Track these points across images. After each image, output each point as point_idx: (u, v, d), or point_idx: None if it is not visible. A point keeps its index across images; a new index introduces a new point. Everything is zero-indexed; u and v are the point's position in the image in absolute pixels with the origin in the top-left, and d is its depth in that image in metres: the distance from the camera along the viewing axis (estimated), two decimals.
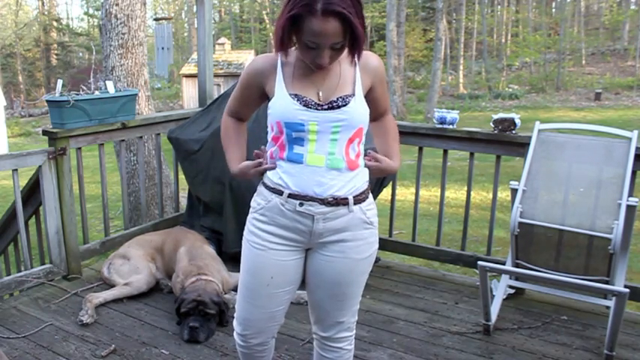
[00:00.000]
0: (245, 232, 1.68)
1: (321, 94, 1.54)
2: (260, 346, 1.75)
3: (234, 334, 1.77)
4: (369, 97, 1.62)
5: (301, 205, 1.54)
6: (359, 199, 1.59)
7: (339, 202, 1.55)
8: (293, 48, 1.56)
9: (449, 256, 3.44)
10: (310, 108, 1.52)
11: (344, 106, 1.53)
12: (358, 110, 1.55)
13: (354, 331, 1.78)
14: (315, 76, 1.56)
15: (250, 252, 1.66)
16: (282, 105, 1.53)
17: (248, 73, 1.65)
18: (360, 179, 1.60)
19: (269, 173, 1.60)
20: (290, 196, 1.55)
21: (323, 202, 1.54)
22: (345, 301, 1.69)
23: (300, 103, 1.52)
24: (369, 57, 1.62)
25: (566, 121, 14.68)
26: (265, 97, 1.64)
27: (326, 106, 1.53)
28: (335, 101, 1.54)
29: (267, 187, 1.60)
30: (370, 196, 1.65)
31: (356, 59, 1.57)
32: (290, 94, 1.53)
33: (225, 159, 1.75)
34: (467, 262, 3.35)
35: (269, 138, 1.62)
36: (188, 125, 3.64)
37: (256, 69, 1.62)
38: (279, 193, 1.56)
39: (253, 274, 1.66)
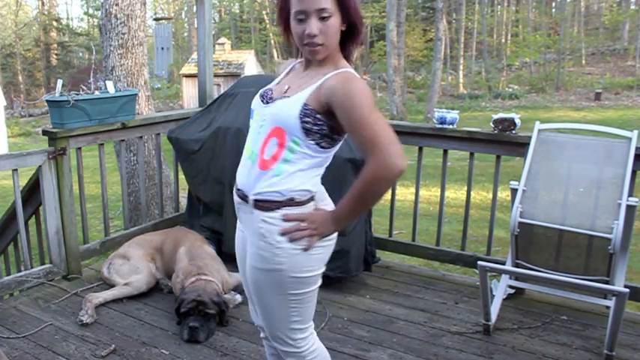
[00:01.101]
0: None
1: (287, 86, 1.58)
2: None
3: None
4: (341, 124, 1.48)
5: (237, 190, 1.62)
6: (262, 207, 1.52)
7: (243, 197, 1.58)
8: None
9: (449, 256, 3.44)
10: (262, 101, 1.60)
11: (272, 102, 1.56)
12: (280, 109, 1.50)
13: (303, 349, 1.64)
14: (295, 78, 1.61)
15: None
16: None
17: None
18: (270, 187, 1.51)
19: None
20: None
21: (237, 192, 1.61)
22: (260, 307, 1.63)
23: (260, 94, 1.61)
24: (335, 77, 1.47)
25: (566, 121, 14.69)
26: None
27: (268, 101, 1.59)
28: (274, 97, 1.58)
29: None
30: (280, 212, 1.51)
31: (328, 75, 1.48)
32: (266, 89, 1.63)
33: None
34: (467, 262, 3.35)
35: None
36: (188, 125, 3.64)
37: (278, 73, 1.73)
38: None
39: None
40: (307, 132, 1.48)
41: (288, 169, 1.50)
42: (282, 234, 1.50)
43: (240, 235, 1.71)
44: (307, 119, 1.47)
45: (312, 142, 1.49)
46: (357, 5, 1.51)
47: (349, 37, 1.55)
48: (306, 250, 1.51)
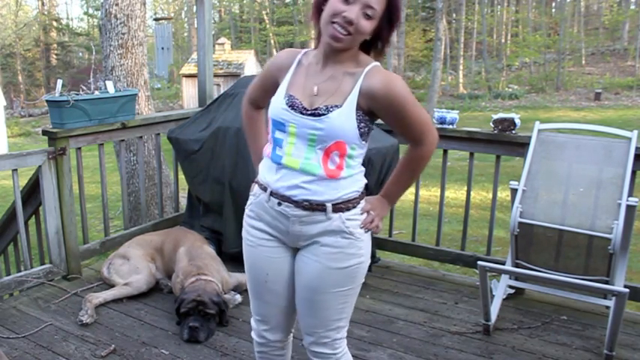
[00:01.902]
0: (242, 230, 1.73)
1: (316, 89, 1.53)
2: (278, 342, 1.75)
3: (252, 333, 1.79)
4: (385, 122, 1.57)
5: (279, 204, 1.56)
6: (340, 208, 1.54)
7: (315, 207, 1.53)
8: (313, 48, 1.61)
9: (449, 256, 3.44)
10: (295, 110, 1.52)
11: (324, 115, 1.48)
12: (337, 123, 1.47)
13: (338, 350, 1.68)
14: (315, 79, 1.55)
15: (246, 248, 1.71)
16: (275, 102, 1.57)
17: (270, 64, 1.69)
18: (345, 190, 1.54)
19: (261, 169, 1.65)
20: (272, 194, 1.57)
21: (298, 205, 1.54)
22: (318, 310, 1.62)
23: (288, 104, 1.53)
24: (374, 77, 1.49)
25: (566, 121, 14.68)
26: None
27: (309, 112, 1.51)
28: (319, 108, 1.50)
29: (257, 183, 1.65)
30: (359, 206, 1.58)
31: (362, 76, 1.49)
32: (286, 94, 1.55)
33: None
34: (467, 262, 3.35)
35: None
36: (188, 125, 3.64)
37: (276, 63, 1.66)
38: (265, 189, 1.60)
39: (250, 270, 1.71)
40: (362, 135, 1.53)
41: (354, 171, 1.57)
42: (364, 227, 1.59)
43: (276, 251, 1.64)
44: (362, 125, 1.51)
45: (364, 141, 1.56)
46: (395, 26, 1.52)
47: (371, 45, 1.57)
48: (376, 232, 1.63)
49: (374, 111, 1.51)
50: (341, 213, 1.55)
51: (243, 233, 1.71)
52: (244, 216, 1.71)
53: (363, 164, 1.62)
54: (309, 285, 1.61)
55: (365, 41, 1.53)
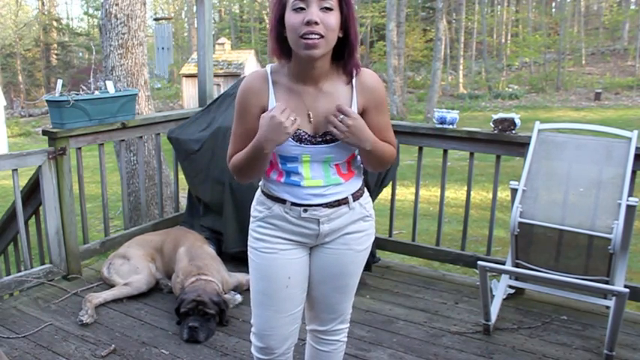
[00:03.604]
0: (250, 241, 1.66)
1: (311, 114, 1.50)
2: (283, 355, 1.71)
3: (253, 350, 1.72)
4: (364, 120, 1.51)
5: (305, 211, 1.58)
6: (357, 196, 1.64)
7: (341, 202, 1.60)
8: (283, 64, 1.52)
9: (449, 256, 3.44)
10: (303, 142, 1.51)
11: (337, 140, 1.51)
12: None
13: (349, 324, 1.83)
14: (308, 100, 1.50)
15: (261, 258, 1.64)
16: None
17: (244, 94, 1.53)
18: (357, 182, 1.66)
19: (269, 184, 1.61)
20: (293, 204, 1.57)
21: (325, 205, 1.58)
22: (346, 293, 1.74)
23: (294, 138, 1.50)
24: (367, 75, 1.55)
25: (566, 121, 14.68)
26: None
27: (319, 139, 1.52)
28: (329, 133, 1.50)
29: (268, 196, 1.62)
30: (365, 189, 1.70)
31: (354, 80, 1.52)
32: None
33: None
34: (467, 262, 3.35)
35: None
36: (188, 125, 3.64)
37: (250, 86, 1.53)
38: (282, 201, 1.58)
39: (270, 279, 1.64)
40: None
41: (359, 164, 1.67)
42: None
43: (296, 252, 1.64)
44: None
45: None
46: (355, 15, 1.48)
47: (342, 51, 1.48)
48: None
49: (365, 109, 1.55)
50: (359, 200, 1.65)
51: (257, 244, 1.64)
52: (255, 227, 1.65)
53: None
54: (341, 272, 1.68)
55: (338, 52, 1.49)
